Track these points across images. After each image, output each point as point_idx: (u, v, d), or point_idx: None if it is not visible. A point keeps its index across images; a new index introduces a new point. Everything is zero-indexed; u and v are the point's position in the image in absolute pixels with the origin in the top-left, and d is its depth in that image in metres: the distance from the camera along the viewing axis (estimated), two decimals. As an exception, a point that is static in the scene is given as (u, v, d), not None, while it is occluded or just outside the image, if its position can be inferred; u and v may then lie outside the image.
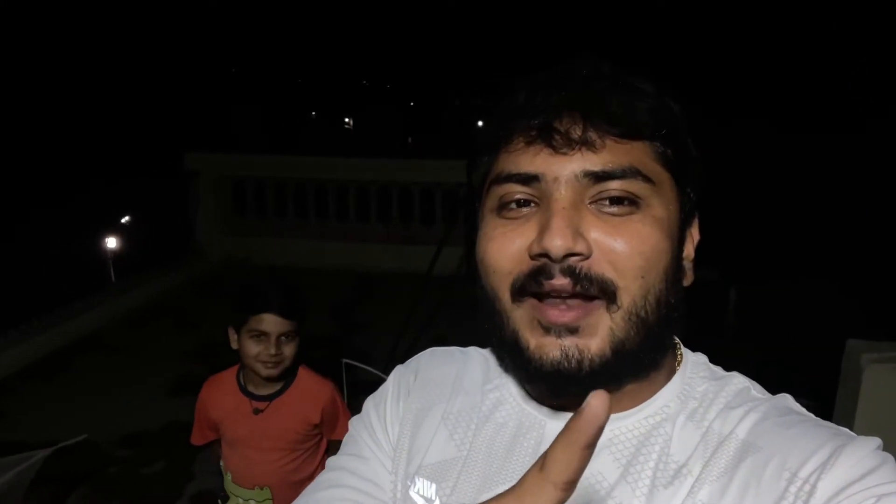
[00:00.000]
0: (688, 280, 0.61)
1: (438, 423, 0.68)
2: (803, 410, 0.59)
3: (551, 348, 0.55)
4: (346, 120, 23.40)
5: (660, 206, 0.56)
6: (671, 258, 0.57)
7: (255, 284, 1.78)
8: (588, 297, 0.54)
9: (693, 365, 0.64)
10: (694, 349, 0.66)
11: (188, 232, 6.33)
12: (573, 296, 0.54)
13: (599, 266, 0.54)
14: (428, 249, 5.05)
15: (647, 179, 0.55)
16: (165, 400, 3.75)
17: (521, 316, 0.57)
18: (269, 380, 1.73)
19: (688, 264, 0.62)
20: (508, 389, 0.67)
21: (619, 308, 0.54)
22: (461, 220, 4.22)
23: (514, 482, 0.54)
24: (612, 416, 0.59)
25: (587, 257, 0.54)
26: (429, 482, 0.64)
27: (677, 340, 0.65)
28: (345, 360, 2.62)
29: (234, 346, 1.73)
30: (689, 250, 0.62)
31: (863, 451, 0.51)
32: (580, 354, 0.54)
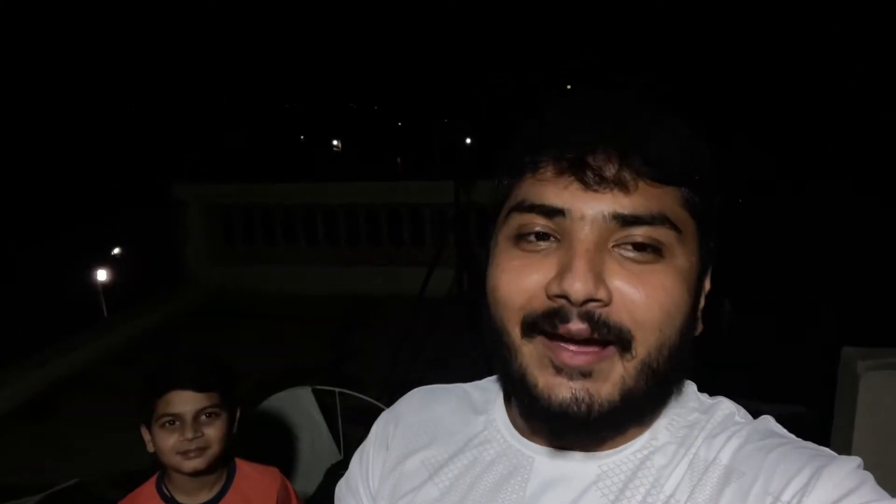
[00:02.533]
0: (698, 330, 0.60)
1: (419, 468, 0.67)
2: (784, 432, 0.59)
3: (561, 389, 0.54)
4: (335, 142, 23.48)
5: (683, 255, 0.55)
6: (689, 311, 0.56)
7: (158, 365, 1.45)
8: (603, 344, 0.54)
9: (682, 395, 0.64)
10: (695, 358, 0.65)
11: (178, 263, 6.29)
12: (588, 341, 0.53)
13: (618, 314, 0.53)
14: (419, 271, 5.02)
15: (674, 227, 0.54)
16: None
17: (530, 352, 0.56)
18: (197, 475, 1.38)
19: (699, 314, 0.61)
20: (495, 426, 0.67)
21: (633, 358, 0.54)
22: (452, 241, 4.21)
23: None
24: (602, 453, 0.60)
25: (606, 304, 0.53)
26: None
27: None
28: (338, 390, 2.59)
29: (151, 448, 1.39)
30: (701, 301, 0.61)
31: (843, 471, 0.51)
32: (590, 399, 0.54)
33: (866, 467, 0.58)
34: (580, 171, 0.53)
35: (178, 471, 1.37)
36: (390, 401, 2.45)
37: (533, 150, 0.57)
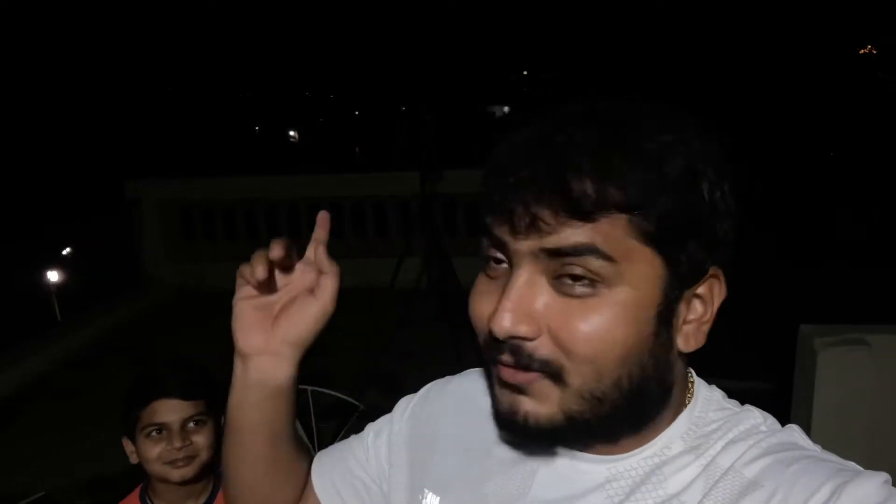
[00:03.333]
0: (694, 344, 0.57)
1: (444, 443, 0.71)
2: (810, 444, 0.58)
3: (504, 399, 0.57)
4: (291, 133, 23.08)
5: (626, 286, 0.52)
6: (637, 340, 0.53)
7: (141, 376, 1.41)
8: (529, 372, 0.55)
9: (704, 401, 0.62)
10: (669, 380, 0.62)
11: (135, 263, 6.12)
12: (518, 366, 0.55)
13: (545, 348, 0.54)
14: (384, 262, 5.00)
15: (606, 258, 0.51)
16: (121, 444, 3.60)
17: (490, 366, 0.59)
18: (185, 483, 1.33)
19: (691, 328, 0.57)
20: None
21: (567, 386, 0.54)
22: (418, 232, 4.20)
23: (508, 497, 0.63)
24: (611, 457, 0.60)
25: (532, 339, 0.54)
26: (433, 495, 0.68)
27: (692, 376, 0.64)
28: (310, 388, 2.57)
29: (134, 459, 1.36)
30: (698, 313, 0.57)
31: (866, 488, 0.49)
32: (526, 415, 0.56)
33: (824, 442, 0.59)
34: (508, 216, 0.54)
35: (166, 480, 1.33)
36: (362, 395, 2.44)
37: (483, 180, 0.59)
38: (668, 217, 0.52)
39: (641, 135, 0.53)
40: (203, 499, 1.38)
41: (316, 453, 1.85)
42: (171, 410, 1.31)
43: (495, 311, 0.54)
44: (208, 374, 1.43)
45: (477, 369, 0.78)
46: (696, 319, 0.57)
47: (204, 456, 1.33)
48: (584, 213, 0.51)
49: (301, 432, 2.49)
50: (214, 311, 4.67)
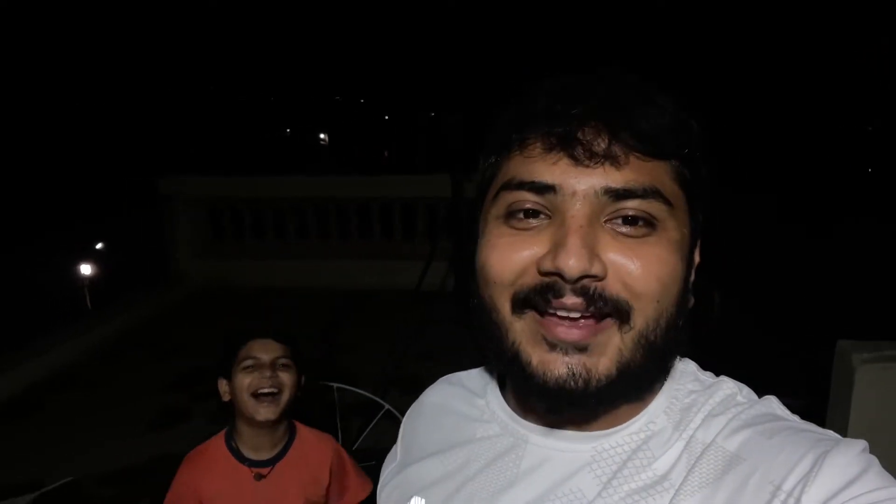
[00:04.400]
0: (690, 303, 0.59)
1: (429, 451, 0.70)
2: (787, 414, 0.58)
3: (556, 365, 0.53)
4: (321, 136, 23.31)
5: (675, 228, 0.54)
6: (683, 282, 0.56)
7: (238, 329, 1.62)
8: (598, 317, 0.53)
9: (681, 374, 0.62)
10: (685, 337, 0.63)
11: (165, 259, 6.21)
12: (583, 316, 0.53)
13: (614, 287, 0.52)
14: (410, 264, 5.00)
15: (665, 201, 0.53)
16: (147, 434, 3.63)
17: (522, 329, 0.55)
18: (266, 427, 1.52)
19: (690, 287, 0.60)
20: (492, 408, 0.68)
21: (631, 329, 0.53)
22: (446, 236, 4.18)
23: (490, 494, 0.61)
24: (597, 433, 0.59)
25: (602, 279, 0.52)
26: (418, 498, 0.67)
27: None
28: (336, 385, 2.57)
29: (226, 397, 1.54)
30: (692, 275, 0.60)
31: (846, 457, 0.49)
32: (587, 374, 0.53)
33: None
34: (570, 146, 0.53)
35: (252, 416, 1.49)
36: (385, 394, 2.42)
37: (520, 127, 0.56)
38: (698, 167, 0.57)
39: (662, 93, 0.56)
40: (279, 448, 1.56)
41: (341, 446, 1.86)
42: (264, 349, 1.53)
43: (561, 250, 0.51)
44: (295, 336, 1.63)
45: (443, 378, 0.78)
46: (691, 280, 0.59)
47: (287, 394, 1.52)
48: (652, 151, 0.53)
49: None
50: (239, 308, 4.77)
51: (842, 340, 2.73)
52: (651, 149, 0.53)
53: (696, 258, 0.61)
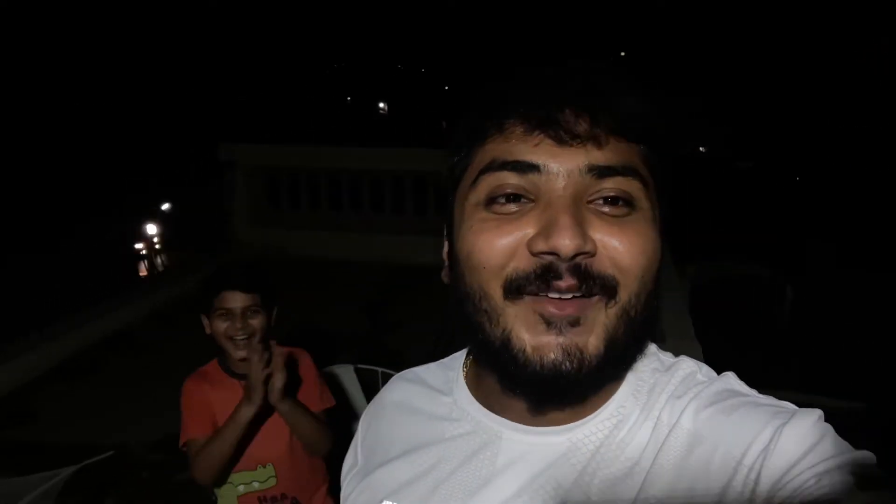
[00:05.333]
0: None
1: (395, 452, 0.69)
2: (746, 389, 0.59)
3: (551, 349, 0.53)
4: (381, 105, 23.29)
5: (650, 208, 0.56)
6: (660, 260, 0.57)
7: (217, 267, 1.84)
8: (587, 294, 0.54)
9: (644, 356, 0.63)
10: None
11: (223, 223, 6.29)
12: (575, 296, 0.53)
13: (602, 264, 0.53)
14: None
15: (642, 180, 0.55)
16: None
17: (515, 313, 0.55)
18: (243, 361, 1.72)
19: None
20: (461, 405, 0.67)
21: (615, 304, 0.54)
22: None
23: (466, 493, 0.61)
24: (572, 424, 0.59)
25: (592, 255, 0.53)
26: (390, 502, 0.66)
27: None
28: (381, 370, 2.52)
29: (208, 331, 1.76)
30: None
31: (802, 427, 0.51)
32: (580, 353, 0.53)
33: None
34: (552, 127, 0.53)
35: (229, 354, 1.74)
36: None
37: (497, 112, 0.57)
38: (665, 152, 0.59)
39: (634, 81, 0.58)
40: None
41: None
42: (235, 299, 1.70)
43: (554, 228, 0.51)
44: (267, 273, 1.83)
45: (400, 375, 0.78)
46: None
47: (257, 336, 1.72)
48: (629, 135, 0.55)
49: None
50: (293, 277, 4.73)
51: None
52: (629, 131, 0.55)
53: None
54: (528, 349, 0.54)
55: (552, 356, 0.53)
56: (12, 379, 3.77)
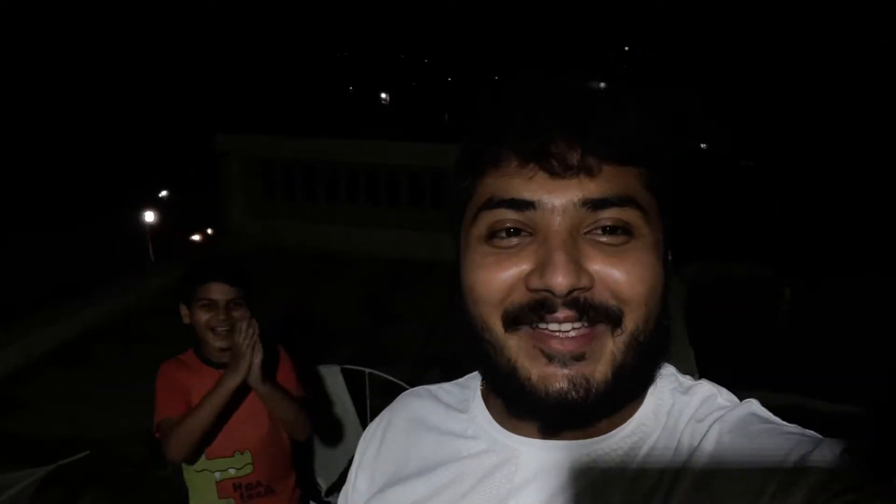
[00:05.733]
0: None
1: (410, 470, 0.68)
2: (769, 416, 0.58)
3: (556, 378, 0.54)
4: (383, 95, 23.19)
5: (650, 233, 0.56)
6: (664, 283, 0.57)
7: (202, 259, 1.86)
8: (591, 323, 0.54)
9: (662, 378, 0.63)
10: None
11: (219, 214, 6.25)
12: (575, 327, 0.54)
13: (601, 296, 0.54)
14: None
15: (640, 208, 0.55)
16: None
17: (516, 345, 0.56)
18: (223, 351, 1.76)
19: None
20: (478, 423, 0.67)
21: (622, 332, 0.54)
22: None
23: (486, 500, 0.61)
24: (589, 441, 0.59)
25: (589, 289, 0.53)
26: None
27: None
28: (367, 371, 2.48)
29: (186, 320, 1.78)
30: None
31: (827, 456, 0.49)
32: (587, 383, 0.54)
33: None
34: (544, 159, 0.53)
35: (208, 343, 1.77)
36: (422, 377, 2.39)
37: (492, 143, 0.57)
38: (666, 173, 0.58)
39: (631, 100, 0.58)
40: None
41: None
42: (220, 291, 1.73)
43: (548, 267, 0.52)
44: (248, 269, 1.85)
45: (412, 392, 0.77)
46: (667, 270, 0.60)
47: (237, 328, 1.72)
48: (623, 159, 0.54)
49: (354, 418, 2.40)
50: (289, 267, 4.69)
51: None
52: (622, 157, 0.54)
53: (668, 257, 0.62)
54: (534, 378, 0.55)
55: (558, 386, 0.54)
56: (2, 366, 3.74)
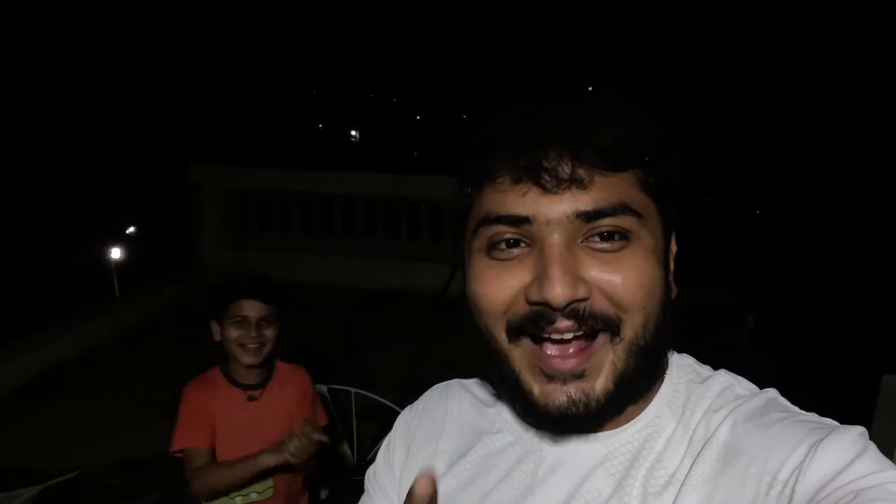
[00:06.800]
0: (674, 293, 0.61)
1: (438, 463, 0.70)
2: (787, 405, 0.59)
3: (557, 395, 0.55)
4: (353, 133, 23.37)
5: (648, 236, 0.56)
6: (664, 283, 0.58)
7: (233, 275, 1.85)
8: (590, 335, 0.55)
9: (678, 369, 0.64)
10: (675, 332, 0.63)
11: (189, 246, 6.20)
12: (576, 336, 0.55)
13: (600, 304, 0.54)
14: (436, 267, 4.90)
15: (635, 213, 0.55)
16: (162, 424, 3.57)
17: (520, 357, 0.57)
18: (252, 367, 1.78)
19: (671, 276, 0.62)
20: (504, 417, 0.69)
21: (621, 340, 0.55)
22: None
23: (514, 500, 0.62)
24: (608, 432, 0.61)
25: (587, 299, 0.54)
26: None
27: None
28: (354, 390, 2.50)
29: (217, 337, 1.79)
30: (671, 265, 0.62)
31: (840, 443, 0.50)
32: (587, 398, 0.55)
33: None
34: (537, 175, 0.54)
35: (238, 361, 1.77)
36: (402, 400, 2.40)
37: (487, 157, 0.57)
38: (663, 171, 0.58)
39: (623, 101, 0.58)
40: (264, 377, 1.84)
41: (354, 454, 1.96)
42: (253, 308, 1.74)
43: (545, 280, 0.53)
44: (279, 286, 1.87)
45: (448, 384, 0.79)
46: (671, 270, 0.61)
47: (269, 347, 1.77)
48: (614, 166, 0.54)
49: (341, 434, 2.41)
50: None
51: (888, 376, 2.63)
52: (613, 164, 0.54)
53: (674, 247, 0.62)
54: (535, 394, 0.57)
55: (558, 402, 0.55)
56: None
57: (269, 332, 1.77)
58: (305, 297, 5.38)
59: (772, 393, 0.60)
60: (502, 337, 0.58)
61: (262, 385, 1.83)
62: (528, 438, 0.65)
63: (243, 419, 1.78)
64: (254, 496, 1.77)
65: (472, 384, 0.77)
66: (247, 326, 1.74)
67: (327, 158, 15.44)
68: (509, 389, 0.60)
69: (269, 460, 1.66)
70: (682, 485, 0.55)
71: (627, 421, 0.61)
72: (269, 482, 1.78)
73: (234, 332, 1.74)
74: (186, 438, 1.73)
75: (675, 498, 0.54)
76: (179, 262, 6.20)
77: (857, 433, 0.51)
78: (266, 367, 1.84)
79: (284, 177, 6.28)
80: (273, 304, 1.79)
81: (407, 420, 0.78)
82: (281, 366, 1.90)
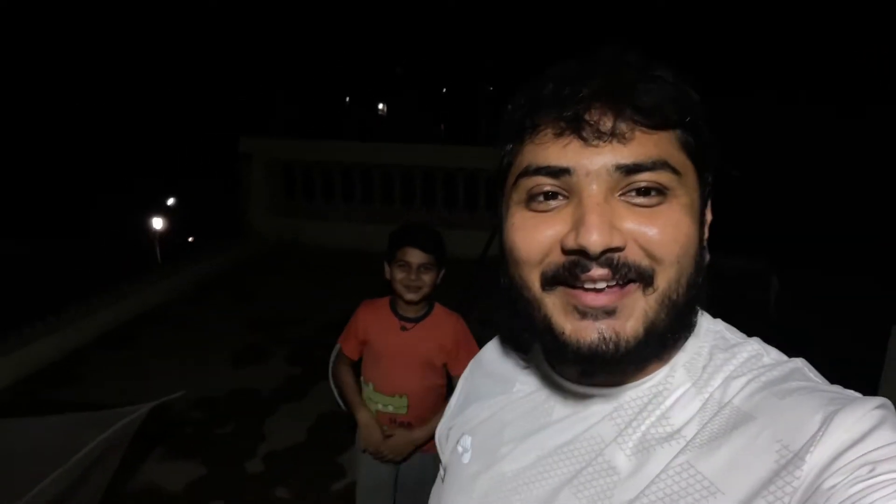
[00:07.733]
0: (706, 260, 0.62)
1: (481, 398, 0.79)
2: (812, 375, 0.58)
3: (588, 332, 0.57)
4: (380, 106, 23.53)
5: (685, 194, 0.58)
6: (698, 242, 0.59)
7: (403, 226, 2.13)
8: (623, 283, 0.56)
9: (706, 333, 0.65)
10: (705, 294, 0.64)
11: (241, 214, 6.57)
12: (609, 285, 0.56)
13: (635, 255, 0.56)
14: (470, 234, 5.19)
15: (673, 170, 0.56)
16: (228, 369, 3.98)
17: (553, 303, 0.59)
18: (411, 304, 2.06)
19: (705, 236, 0.63)
20: (535, 361, 0.75)
21: (654, 291, 0.56)
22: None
23: (524, 434, 0.69)
24: (622, 388, 0.63)
25: (622, 249, 0.55)
26: (467, 436, 0.75)
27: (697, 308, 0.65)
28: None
29: (387, 276, 2.07)
30: (705, 233, 0.63)
31: (857, 413, 0.49)
32: (617, 337, 0.56)
33: None
34: (578, 128, 0.56)
35: (401, 297, 2.05)
36: None
37: (531, 114, 0.59)
38: (701, 133, 0.59)
39: (662, 65, 0.60)
40: (422, 313, 2.11)
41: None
42: (414, 255, 2.00)
43: (582, 227, 0.54)
44: (441, 238, 2.09)
45: (500, 335, 0.85)
46: (705, 237, 0.63)
47: (426, 289, 2.03)
48: (655, 124, 0.56)
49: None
50: (308, 264, 5.09)
51: (897, 326, 2.77)
52: (654, 121, 0.56)
53: (709, 216, 0.64)
54: (567, 332, 0.58)
55: (589, 339, 0.56)
56: (61, 347, 4.07)
57: (427, 277, 2.02)
58: (348, 263, 5.72)
59: (797, 363, 0.59)
60: (536, 286, 0.59)
61: (417, 320, 2.09)
62: (552, 383, 0.69)
63: (394, 343, 2.08)
64: (389, 409, 2.08)
65: (506, 342, 0.82)
66: (408, 270, 2.00)
67: (357, 133, 15.70)
68: (539, 336, 0.61)
69: (363, 419, 2.09)
70: (687, 441, 0.56)
71: (643, 377, 0.62)
72: (404, 401, 2.07)
73: (398, 274, 2.02)
74: (342, 339, 2.17)
75: (678, 452, 0.56)
76: (228, 230, 6.57)
77: (875, 404, 0.50)
78: (424, 306, 2.10)
79: (328, 149, 6.57)
80: (432, 253, 2.02)
81: (470, 369, 0.87)
82: (439, 309, 2.14)
